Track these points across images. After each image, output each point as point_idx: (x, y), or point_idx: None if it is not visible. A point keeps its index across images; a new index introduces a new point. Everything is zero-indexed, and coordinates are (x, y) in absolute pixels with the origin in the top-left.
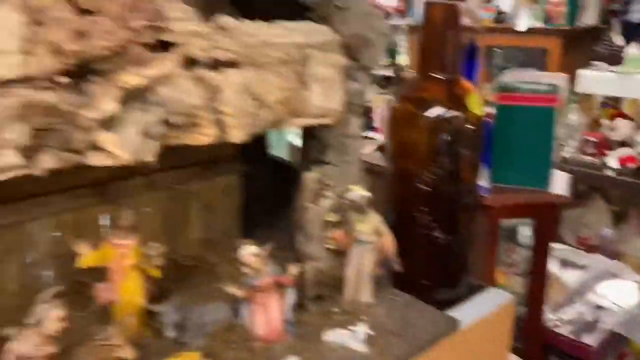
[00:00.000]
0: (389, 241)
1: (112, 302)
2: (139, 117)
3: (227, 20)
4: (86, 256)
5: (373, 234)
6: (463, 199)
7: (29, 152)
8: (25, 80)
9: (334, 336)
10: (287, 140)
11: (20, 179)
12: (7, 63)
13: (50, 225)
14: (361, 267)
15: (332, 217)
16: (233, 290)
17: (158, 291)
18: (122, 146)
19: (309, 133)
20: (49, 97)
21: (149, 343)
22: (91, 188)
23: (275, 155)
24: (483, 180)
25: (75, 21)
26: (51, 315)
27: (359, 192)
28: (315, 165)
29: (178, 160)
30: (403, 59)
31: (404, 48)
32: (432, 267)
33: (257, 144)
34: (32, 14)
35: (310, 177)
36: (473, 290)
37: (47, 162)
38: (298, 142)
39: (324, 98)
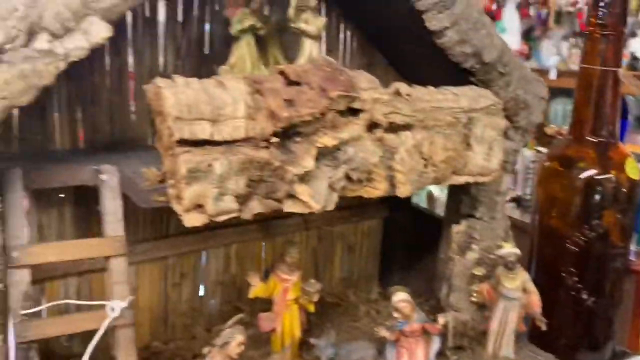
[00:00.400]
0: (535, 299)
1: (272, 331)
2: (328, 172)
3: (403, 87)
4: (256, 287)
5: (520, 291)
6: (612, 262)
7: (242, 199)
8: (247, 140)
9: None
10: (427, 189)
11: None
12: (236, 126)
13: (220, 255)
14: (505, 322)
15: (479, 271)
16: (383, 333)
17: (307, 325)
18: (314, 197)
19: (458, 187)
20: (264, 154)
21: None
22: (256, 224)
23: (416, 204)
24: (634, 245)
25: (286, 91)
26: (235, 340)
27: (509, 250)
28: (464, 218)
29: None
30: None
31: None
32: (576, 329)
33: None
34: (254, 85)
35: (459, 229)
36: (616, 356)
37: (255, 207)
38: (437, 192)
39: (485, 158)
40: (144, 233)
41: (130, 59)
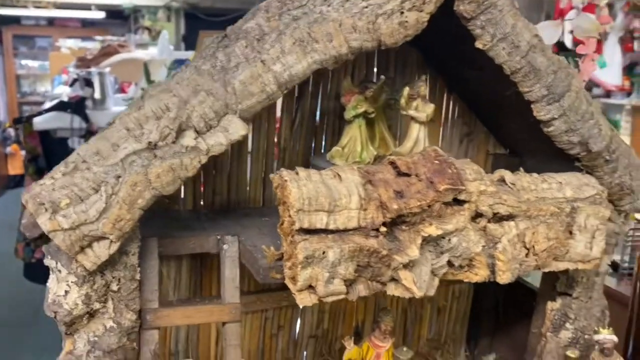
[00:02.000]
0: None
1: None
2: (432, 259)
3: (508, 174)
4: (350, 351)
5: None
6: None
7: (350, 282)
8: (358, 229)
9: None
10: None
11: None
12: (350, 216)
13: (315, 310)
14: None
15: (573, 353)
16: None
17: None
18: (416, 283)
19: None
20: (373, 243)
21: None
22: None
23: None
24: None
25: (396, 182)
26: None
27: (606, 335)
28: (559, 296)
29: None
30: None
31: (624, 128)
32: None
33: None
34: (367, 176)
35: (553, 307)
36: None
37: (361, 290)
38: None
39: (587, 246)
40: (248, 286)
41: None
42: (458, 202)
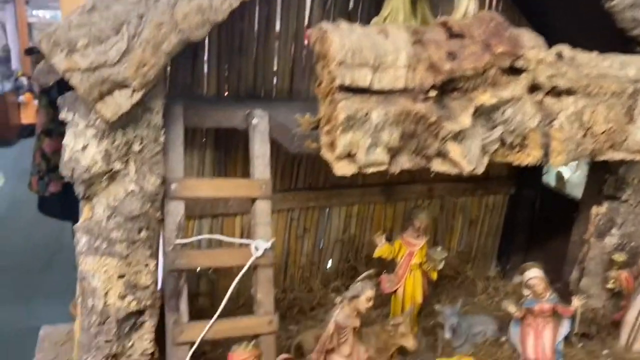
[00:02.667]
0: None
1: (393, 293)
2: (483, 132)
3: (566, 49)
4: (381, 248)
5: None
6: None
7: (393, 152)
8: (405, 92)
9: None
10: (556, 170)
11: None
12: (396, 76)
13: (341, 214)
14: None
15: (619, 257)
16: (510, 308)
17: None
18: (466, 157)
19: (601, 166)
20: (421, 107)
21: (419, 339)
22: (380, 187)
23: (547, 184)
24: None
25: (448, 44)
26: (364, 294)
27: None
28: (606, 200)
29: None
30: None
31: None
32: None
33: (530, 169)
34: (416, 35)
35: (599, 211)
36: None
37: (404, 163)
38: (567, 173)
39: None
40: (273, 185)
41: (278, 9)
42: (514, 71)
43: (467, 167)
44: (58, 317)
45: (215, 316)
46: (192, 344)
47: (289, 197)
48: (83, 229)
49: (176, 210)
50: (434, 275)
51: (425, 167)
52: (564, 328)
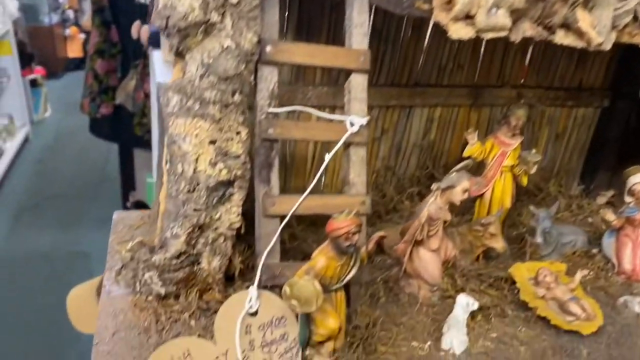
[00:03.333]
0: None
1: (480, 197)
2: (615, 2)
3: None
4: (472, 146)
5: None
6: None
7: (515, 16)
8: None
9: None
10: None
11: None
12: None
13: (423, 116)
14: None
15: None
16: (609, 216)
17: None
18: (595, 28)
19: None
20: None
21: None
22: (467, 89)
23: None
24: None
25: None
26: (460, 185)
27: None
28: None
29: (546, 80)
30: None
31: None
32: None
33: (628, 80)
34: None
35: None
36: None
37: (526, 30)
38: None
39: None
40: None
41: None
42: None
43: (595, 39)
44: (103, 244)
45: (308, 191)
46: (283, 217)
47: (369, 94)
48: (174, 88)
49: (270, 76)
50: (525, 181)
51: (546, 39)
52: None
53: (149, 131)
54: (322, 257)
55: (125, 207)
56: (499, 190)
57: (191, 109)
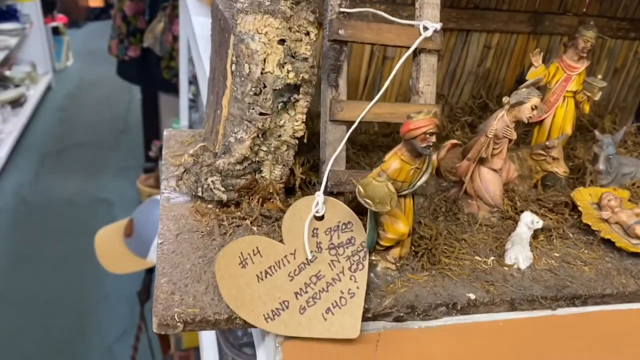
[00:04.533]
0: None
1: (540, 122)
2: None
3: None
4: (536, 69)
5: None
6: None
7: None
8: None
9: None
10: None
11: None
12: None
13: (480, 43)
14: None
15: None
16: None
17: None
18: None
19: None
20: None
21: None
22: (528, 15)
23: None
24: None
25: None
26: (530, 101)
27: None
28: None
29: (610, 9)
30: None
31: None
32: None
33: None
34: None
35: None
36: None
37: None
38: None
39: None
40: None
41: None
42: None
43: None
44: (126, 192)
45: (377, 97)
46: (351, 123)
47: None
48: None
49: None
50: (587, 108)
51: None
52: None
53: (176, 75)
54: (395, 159)
55: (147, 157)
56: (560, 116)
57: (262, 4)
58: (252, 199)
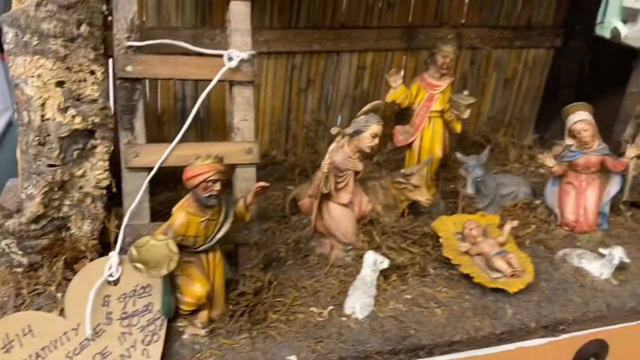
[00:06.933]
0: None
1: (408, 146)
2: None
3: None
4: (395, 90)
5: None
6: None
7: None
8: None
9: None
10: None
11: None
12: None
13: (353, 63)
14: None
15: None
16: (548, 161)
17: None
18: None
19: None
20: None
21: (436, 201)
22: (400, 30)
23: (601, 36)
24: None
25: None
26: (369, 129)
27: None
28: None
29: (490, 18)
30: None
31: None
32: None
33: (581, 17)
34: None
35: None
36: None
37: None
38: (625, 30)
39: None
40: (270, 19)
41: None
42: None
43: None
44: None
45: (178, 138)
46: (150, 169)
47: (288, 37)
48: (7, 21)
49: (128, 5)
50: (458, 127)
51: None
52: (614, 187)
53: None
54: (181, 213)
55: None
56: (428, 139)
57: (29, 43)
58: (56, 261)
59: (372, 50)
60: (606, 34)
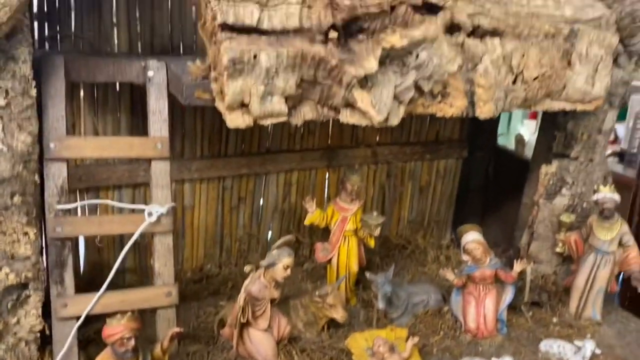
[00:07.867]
0: (634, 255)
1: (328, 262)
2: (394, 79)
3: None
4: (312, 214)
5: (615, 244)
6: None
7: (293, 101)
8: (301, 32)
9: (552, 347)
10: (516, 131)
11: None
12: (289, 13)
13: (280, 182)
14: (594, 279)
15: (567, 218)
16: (448, 275)
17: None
18: (375, 106)
19: (551, 122)
20: (319, 49)
21: (356, 311)
22: (321, 152)
23: (502, 146)
24: None
25: None
26: (281, 262)
27: (606, 194)
28: (556, 158)
29: (401, 137)
30: None
31: None
32: None
33: (484, 130)
34: None
35: (548, 170)
36: None
37: (306, 114)
38: (528, 135)
39: (588, 81)
40: (201, 150)
41: None
42: (430, 9)
43: (376, 117)
44: None
45: (104, 288)
46: (79, 318)
47: (218, 164)
48: None
49: (57, 172)
50: (372, 243)
51: (333, 118)
52: (508, 295)
53: None
54: None
55: None
56: (344, 255)
57: None
58: None
59: (297, 169)
60: (510, 142)
